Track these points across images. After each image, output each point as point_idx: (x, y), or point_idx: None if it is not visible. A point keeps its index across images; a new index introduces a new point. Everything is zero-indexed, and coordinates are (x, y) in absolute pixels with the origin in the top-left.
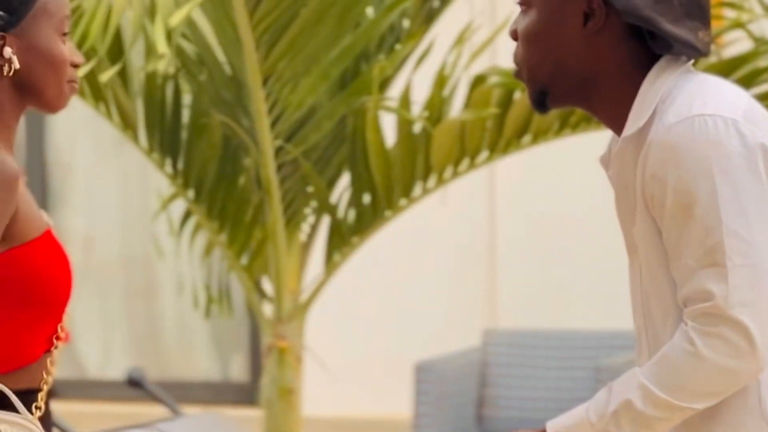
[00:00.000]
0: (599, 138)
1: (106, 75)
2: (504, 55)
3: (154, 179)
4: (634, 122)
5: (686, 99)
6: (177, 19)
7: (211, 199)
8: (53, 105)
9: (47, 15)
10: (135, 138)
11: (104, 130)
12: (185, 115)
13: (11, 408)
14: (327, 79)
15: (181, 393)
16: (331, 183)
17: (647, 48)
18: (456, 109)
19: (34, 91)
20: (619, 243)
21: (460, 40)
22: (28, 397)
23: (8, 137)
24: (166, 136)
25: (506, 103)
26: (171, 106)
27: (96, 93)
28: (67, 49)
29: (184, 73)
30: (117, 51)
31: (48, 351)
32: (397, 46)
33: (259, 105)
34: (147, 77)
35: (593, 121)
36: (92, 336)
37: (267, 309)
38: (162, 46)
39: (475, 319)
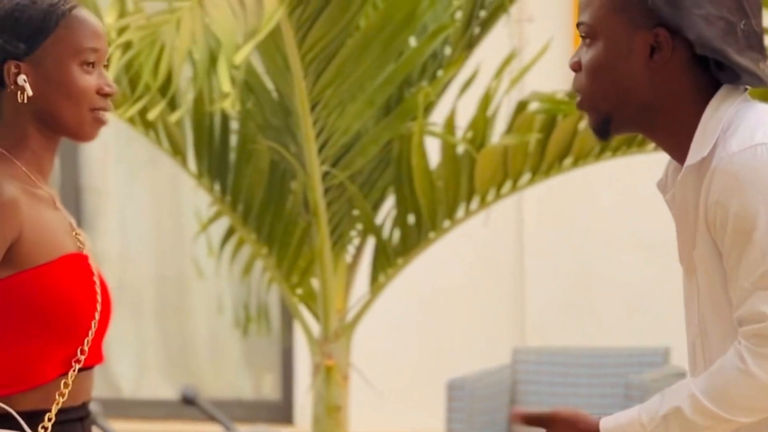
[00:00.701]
0: (627, 160)
1: (154, 113)
2: (534, 80)
3: (186, 200)
4: (697, 151)
5: (748, 128)
6: (240, 57)
7: (259, 222)
8: (76, 134)
9: (65, 45)
10: (184, 163)
11: (135, 152)
12: (233, 140)
13: (18, 428)
14: (373, 105)
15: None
16: (376, 205)
17: (709, 77)
18: (498, 132)
19: (52, 119)
20: (645, 261)
21: (503, 67)
22: (36, 417)
23: (37, 162)
24: (214, 161)
25: (549, 127)
26: (219, 132)
27: (145, 120)
28: (95, 79)
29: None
30: (165, 80)
31: (64, 374)
32: (439, 72)
33: (307, 131)
34: (195, 104)
35: (633, 144)
36: (126, 356)
37: (314, 328)
38: (227, 85)
39: (505, 338)
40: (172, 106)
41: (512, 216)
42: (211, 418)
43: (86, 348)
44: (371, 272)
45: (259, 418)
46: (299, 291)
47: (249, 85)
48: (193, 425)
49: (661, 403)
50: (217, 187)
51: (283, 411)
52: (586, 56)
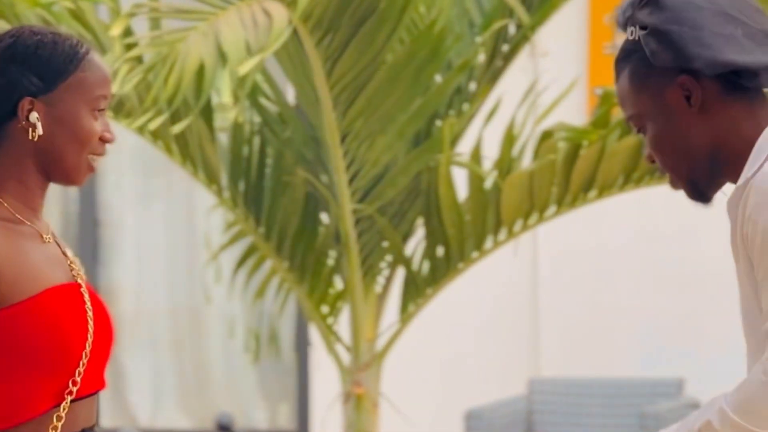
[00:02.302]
0: (640, 193)
1: (179, 127)
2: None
3: (201, 230)
4: (746, 173)
5: None
6: (247, 67)
7: (292, 253)
8: (69, 177)
9: (82, 89)
10: (219, 193)
11: (150, 183)
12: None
13: None
14: (402, 138)
15: None
16: (406, 236)
17: (750, 101)
18: (524, 164)
19: (53, 159)
20: (659, 293)
21: (531, 103)
22: None
23: (31, 201)
24: (250, 192)
25: (572, 157)
26: (256, 164)
27: (184, 151)
28: (100, 125)
29: (268, 131)
30: (204, 106)
31: (56, 405)
32: (465, 105)
33: (337, 162)
34: (233, 135)
35: (656, 175)
36: (142, 386)
37: (343, 357)
38: (227, 95)
39: (520, 368)
40: (210, 125)
41: (527, 248)
42: None
43: (78, 379)
44: (401, 302)
45: None
46: (330, 320)
47: (283, 117)
48: None
49: (696, 419)
50: (251, 217)
51: None
52: (648, 141)
